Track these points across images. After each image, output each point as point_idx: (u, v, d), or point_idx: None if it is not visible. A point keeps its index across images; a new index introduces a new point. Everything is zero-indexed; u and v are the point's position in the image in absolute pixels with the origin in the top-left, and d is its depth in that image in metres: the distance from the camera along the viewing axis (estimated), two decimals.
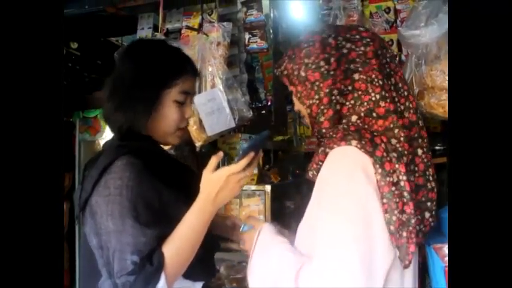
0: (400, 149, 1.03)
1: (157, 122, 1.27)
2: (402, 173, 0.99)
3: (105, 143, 1.32)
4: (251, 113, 2.22)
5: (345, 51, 1.08)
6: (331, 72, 1.07)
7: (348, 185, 0.99)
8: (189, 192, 1.20)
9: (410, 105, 1.09)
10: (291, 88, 1.14)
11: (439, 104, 1.47)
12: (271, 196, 2.51)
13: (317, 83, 1.08)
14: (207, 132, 2.12)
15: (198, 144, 2.18)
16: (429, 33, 1.48)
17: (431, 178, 1.08)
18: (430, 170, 1.08)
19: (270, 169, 2.80)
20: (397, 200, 0.97)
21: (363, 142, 1.00)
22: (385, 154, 0.99)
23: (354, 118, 1.07)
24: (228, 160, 3.03)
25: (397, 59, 2.07)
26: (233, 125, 2.13)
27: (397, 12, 2.14)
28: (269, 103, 2.94)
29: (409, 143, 1.05)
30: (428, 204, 1.07)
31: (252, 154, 1.14)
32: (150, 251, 1.09)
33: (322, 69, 1.07)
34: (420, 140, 1.08)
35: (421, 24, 1.57)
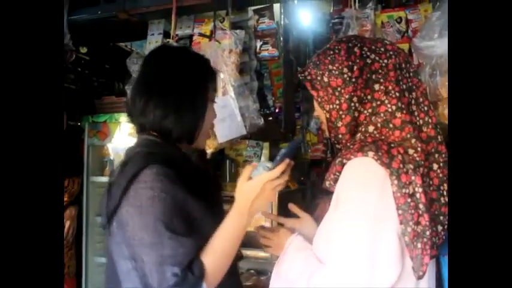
0: (417, 159, 1.04)
1: (202, 124, 1.28)
2: (418, 185, 1.00)
3: (130, 150, 1.26)
4: (262, 120, 2.23)
5: (368, 61, 1.10)
6: (353, 80, 1.09)
7: (362, 196, 1.00)
8: (211, 199, 1.23)
9: (430, 120, 1.10)
10: (313, 93, 1.16)
11: None
12: (277, 202, 2.52)
13: (338, 89, 1.10)
14: (218, 139, 2.13)
15: (209, 151, 2.18)
16: (444, 44, 1.49)
17: (445, 193, 1.08)
18: (445, 184, 1.09)
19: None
20: (413, 211, 0.98)
21: (380, 154, 1.01)
22: (401, 166, 1.00)
23: (371, 128, 1.09)
24: (234, 166, 3.04)
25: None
26: (244, 132, 2.14)
27: (408, 22, 2.15)
28: (277, 110, 2.95)
29: (425, 157, 1.06)
30: (441, 218, 1.08)
31: (287, 161, 1.16)
32: (189, 261, 1.08)
33: (345, 75, 1.10)
34: (437, 155, 1.09)
35: (434, 35, 1.58)
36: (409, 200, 0.99)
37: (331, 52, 1.14)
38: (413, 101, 1.10)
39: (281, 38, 2.40)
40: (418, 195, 1.00)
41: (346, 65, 1.10)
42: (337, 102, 1.11)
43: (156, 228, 1.07)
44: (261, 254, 2.40)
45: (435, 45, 1.51)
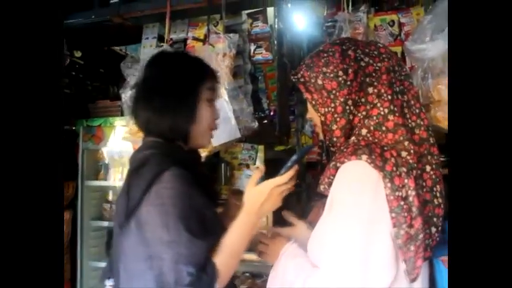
0: (410, 161, 1.04)
1: (194, 124, 1.29)
2: (411, 188, 1.01)
3: (138, 153, 1.29)
4: (256, 123, 2.23)
5: (362, 64, 1.10)
6: (348, 83, 1.09)
7: (355, 199, 1.01)
8: (215, 200, 1.27)
9: (422, 123, 1.11)
10: (307, 95, 1.16)
11: (445, 117, 1.48)
12: None
13: (333, 92, 1.10)
14: (212, 142, 2.12)
15: (203, 154, 2.19)
16: (435, 47, 1.50)
17: (438, 194, 1.09)
18: (438, 186, 1.09)
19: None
20: (406, 214, 0.99)
21: (373, 157, 1.01)
22: (394, 169, 1.01)
23: (364, 131, 1.09)
24: (230, 169, 3.04)
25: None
26: (239, 135, 2.14)
27: (401, 25, 2.17)
28: (272, 113, 2.95)
29: (418, 159, 1.07)
30: (435, 219, 1.08)
31: (296, 167, 1.19)
32: (203, 261, 1.12)
33: (340, 78, 1.09)
34: (430, 157, 1.09)
35: (426, 38, 1.59)
36: (402, 203, 0.99)
37: (325, 54, 1.13)
38: (405, 104, 1.10)
39: (275, 42, 2.40)
40: (411, 198, 1.00)
41: (341, 68, 1.10)
42: (332, 105, 1.10)
43: (176, 227, 1.11)
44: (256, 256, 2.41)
45: (427, 48, 1.52)
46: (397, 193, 0.99)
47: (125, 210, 1.18)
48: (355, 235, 0.98)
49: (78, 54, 3.43)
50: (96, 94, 3.56)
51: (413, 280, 1.00)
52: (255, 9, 2.45)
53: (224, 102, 2.12)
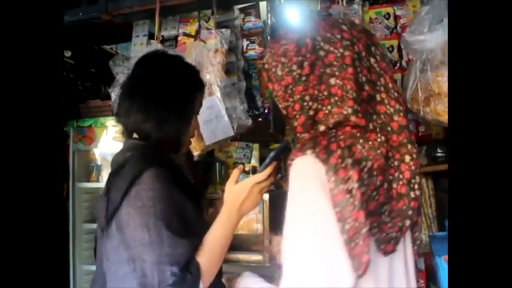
0: (365, 153, 0.95)
1: (186, 136, 1.34)
2: (354, 180, 0.92)
3: (120, 154, 1.29)
4: (250, 121, 2.18)
5: (321, 53, 1.00)
6: (303, 78, 1.00)
7: (303, 196, 0.94)
8: (197, 200, 1.28)
9: (401, 108, 1.02)
10: (269, 85, 1.06)
11: (446, 110, 1.43)
12: (269, 204, 2.48)
13: (290, 87, 1.01)
14: (205, 140, 2.07)
15: (196, 153, 2.14)
16: (434, 38, 1.46)
17: (416, 186, 1.00)
18: (417, 177, 1.01)
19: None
20: (352, 208, 0.91)
21: (317, 150, 0.94)
22: (339, 161, 0.93)
23: (322, 128, 1.00)
24: (224, 168, 2.99)
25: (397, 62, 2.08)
26: (232, 133, 2.09)
27: (396, 18, 2.15)
28: (266, 111, 2.91)
29: (397, 149, 1.00)
30: (410, 212, 1.00)
31: (274, 164, 1.20)
32: (187, 261, 1.12)
33: (295, 73, 1.00)
34: (410, 146, 1.01)
35: (424, 29, 1.55)
36: (347, 196, 0.91)
37: (284, 42, 1.04)
38: (382, 89, 1.01)
39: (268, 37, 2.36)
40: (353, 191, 0.92)
41: (295, 61, 1.00)
42: (291, 99, 1.01)
43: (156, 228, 1.11)
44: (253, 257, 2.37)
45: (426, 39, 1.47)
46: (341, 186, 0.91)
47: (106, 213, 1.18)
48: (309, 237, 0.90)
49: (68, 53, 3.38)
50: (88, 94, 3.50)
51: (360, 276, 0.91)
52: (247, 4, 2.40)
53: (217, 100, 2.07)
